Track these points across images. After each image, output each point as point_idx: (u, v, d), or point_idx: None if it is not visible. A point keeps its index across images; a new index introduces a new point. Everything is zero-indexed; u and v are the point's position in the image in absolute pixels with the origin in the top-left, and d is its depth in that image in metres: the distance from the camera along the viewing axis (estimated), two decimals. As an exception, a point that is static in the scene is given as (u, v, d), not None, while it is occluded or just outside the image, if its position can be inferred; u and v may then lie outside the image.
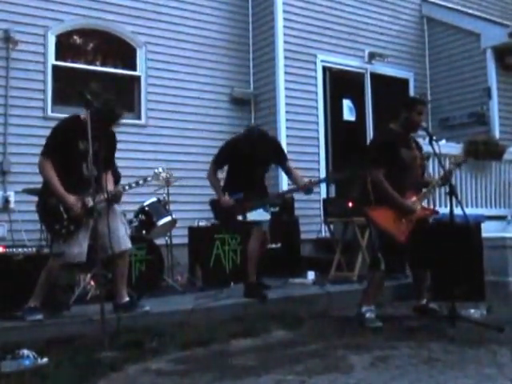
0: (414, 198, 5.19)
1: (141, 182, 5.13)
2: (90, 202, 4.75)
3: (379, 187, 5.08)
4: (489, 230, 6.99)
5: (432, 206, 6.99)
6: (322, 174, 8.82)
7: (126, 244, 5.05)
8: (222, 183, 6.18)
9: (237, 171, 6.09)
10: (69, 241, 4.76)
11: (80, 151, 4.78)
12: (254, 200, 5.90)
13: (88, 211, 4.77)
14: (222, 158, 6.14)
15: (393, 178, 5.05)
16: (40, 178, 4.96)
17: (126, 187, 5.07)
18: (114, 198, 4.96)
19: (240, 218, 5.90)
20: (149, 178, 5.17)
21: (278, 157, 6.20)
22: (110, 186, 4.98)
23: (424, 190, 5.42)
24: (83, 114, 4.78)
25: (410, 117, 5.22)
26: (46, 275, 4.83)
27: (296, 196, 8.00)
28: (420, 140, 5.65)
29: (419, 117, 5.27)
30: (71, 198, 4.72)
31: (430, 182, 5.50)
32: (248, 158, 5.93)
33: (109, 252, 4.77)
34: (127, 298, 5.09)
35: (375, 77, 9.79)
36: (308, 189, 6.03)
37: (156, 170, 5.22)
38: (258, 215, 5.92)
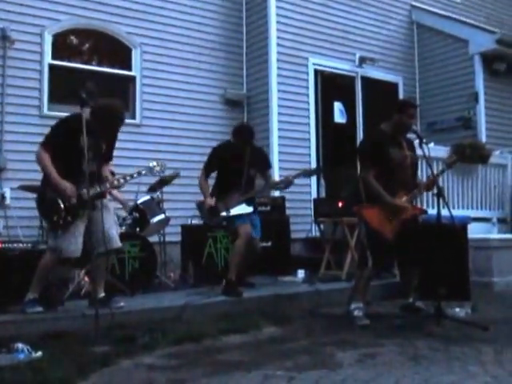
0: (405, 198, 5.24)
1: (135, 175, 5.18)
2: (85, 194, 4.82)
3: (369, 187, 5.15)
4: (474, 232, 7.11)
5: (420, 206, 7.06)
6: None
7: (118, 243, 5.12)
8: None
9: (224, 176, 6.27)
10: (66, 235, 4.82)
11: (81, 147, 4.82)
12: (236, 197, 6.09)
13: (83, 203, 4.84)
14: (210, 164, 6.32)
15: (383, 178, 5.11)
16: (35, 175, 5.05)
17: (122, 180, 5.11)
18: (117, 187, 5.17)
19: (224, 213, 6.07)
20: (143, 172, 5.20)
21: (262, 163, 6.41)
22: (110, 177, 5.13)
23: (415, 189, 5.46)
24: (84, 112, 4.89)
25: (401, 119, 5.29)
26: (43, 268, 4.90)
27: (287, 196, 8.09)
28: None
29: (410, 120, 5.35)
30: (67, 184, 4.79)
31: (420, 183, 5.59)
32: (234, 162, 6.13)
33: (100, 249, 4.85)
34: (103, 294, 5.13)
35: (366, 80, 9.89)
36: (289, 183, 6.24)
37: (150, 164, 5.24)
38: (241, 209, 6.07)
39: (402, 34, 10.47)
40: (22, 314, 4.80)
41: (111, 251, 5.10)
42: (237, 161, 6.16)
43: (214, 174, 6.40)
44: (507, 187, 9.17)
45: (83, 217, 4.93)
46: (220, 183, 6.31)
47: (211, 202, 6.14)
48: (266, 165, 6.50)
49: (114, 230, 5.08)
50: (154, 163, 5.27)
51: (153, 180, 6.85)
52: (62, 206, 4.80)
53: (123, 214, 6.59)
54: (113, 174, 6.22)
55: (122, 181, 5.13)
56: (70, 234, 4.85)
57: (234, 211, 6.06)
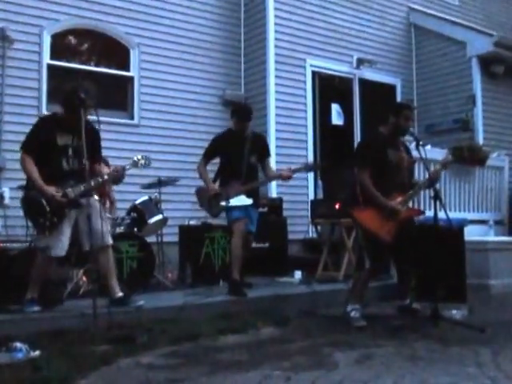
0: (400, 199, 5.24)
1: (120, 169, 5.16)
2: (71, 193, 4.84)
3: (364, 188, 5.17)
4: (471, 234, 7.12)
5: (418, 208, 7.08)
6: (310, 176, 8.94)
7: (108, 239, 5.10)
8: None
9: (225, 164, 6.27)
10: (53, 234, 4.82)
11: (58, 146, 4.88)
12: (236, 187, 6.07)
13: (69, 202, 4.85)
14: (209, 150, 6.32)
15: (379, 179, 5.13)
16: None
17: (106, 177, 5.07)
18: (116, 178, 5.17)
19: (223, 203, 6.06)
20: (127, 166, 5.18)
21: (262, 150, 6.38)
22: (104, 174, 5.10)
23: (410, 191, 5.52)
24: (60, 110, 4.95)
25: (397, 122, 5.31)
26: (37, 269, 4.92)
27: (284, 197, 8.12)
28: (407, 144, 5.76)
29: (406, 122, 5.36)
30: (50, 190, 4.78)
31: (416, 184, 5.62)
32: (235, 149, 6.13)
33: (88, 247, 4.87)
34: (121, 293, 5.14)
35: (363, 82, 9.91)
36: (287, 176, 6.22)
37: (135, 158, 5.23)
38: (239, 201, 6.05)
39: (399, 36, 10.49)
40: (21, 313, 4.81)
41: (105, 248, 5.06)
42: (237, 147, 6.13)
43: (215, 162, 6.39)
44: (504, 189, 9.22)
45: (69, 216, 4.93)
46: (221, 171, 6.31)
47: (215, 189, 6.14)
48: (266, 152, 6.44)
49: (102, 227, 4.98)
50: (139, 157, 5.25)
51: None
52: (47, 208, 4.78)
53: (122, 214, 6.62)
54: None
55: (106, 177, 5.08)
56: (57, 232, 4.85)
57: (233, 202, 6.05)
